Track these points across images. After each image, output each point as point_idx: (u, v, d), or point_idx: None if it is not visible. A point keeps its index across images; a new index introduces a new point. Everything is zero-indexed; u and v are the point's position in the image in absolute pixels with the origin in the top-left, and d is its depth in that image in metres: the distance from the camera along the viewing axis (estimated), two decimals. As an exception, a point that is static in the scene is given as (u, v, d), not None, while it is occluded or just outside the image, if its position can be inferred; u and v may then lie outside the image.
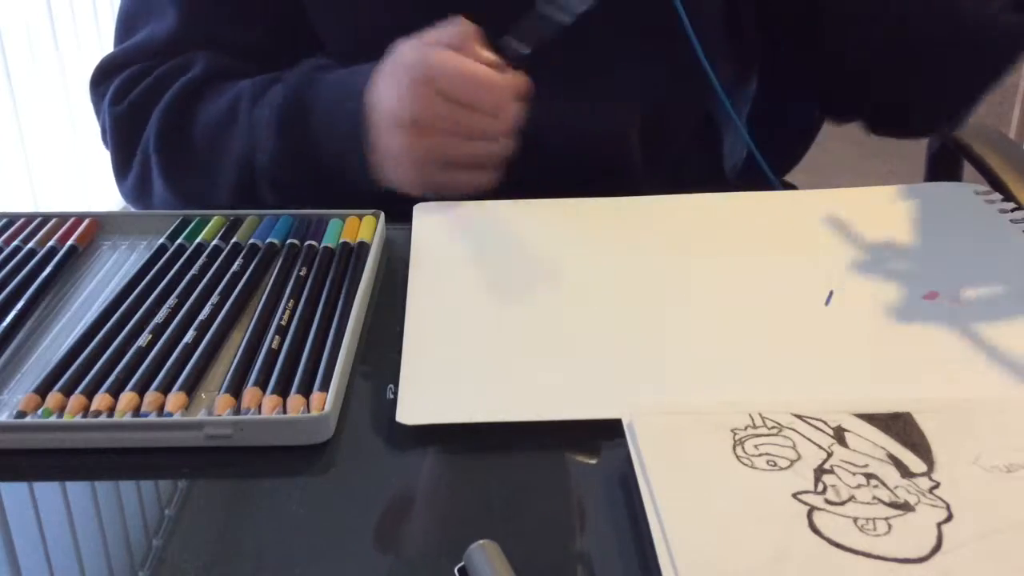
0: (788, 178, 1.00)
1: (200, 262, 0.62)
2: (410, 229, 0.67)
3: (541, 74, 0.69)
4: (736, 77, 0.89)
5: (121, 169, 0.84)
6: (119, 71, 0.84)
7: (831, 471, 0.43)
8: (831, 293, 0.58)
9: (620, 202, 0.71)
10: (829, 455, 0.44)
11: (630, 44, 0.79)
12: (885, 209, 0.69)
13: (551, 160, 0.73)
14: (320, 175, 0.74)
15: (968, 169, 0.93)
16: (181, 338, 0.54)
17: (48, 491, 0.47)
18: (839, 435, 0.45)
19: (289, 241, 0.65)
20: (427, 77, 0.66)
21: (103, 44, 2.10)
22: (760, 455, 0.44)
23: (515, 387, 0.51)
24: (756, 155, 0.84)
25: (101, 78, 0.86)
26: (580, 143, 0.77)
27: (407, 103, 0.67)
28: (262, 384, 0.51)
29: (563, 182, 0.71)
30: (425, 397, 0.50)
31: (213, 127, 0.78)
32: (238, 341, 0.55)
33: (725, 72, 0.83)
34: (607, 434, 0.46)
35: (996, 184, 0.86)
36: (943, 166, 0.97)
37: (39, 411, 0.49)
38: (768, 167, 0.84)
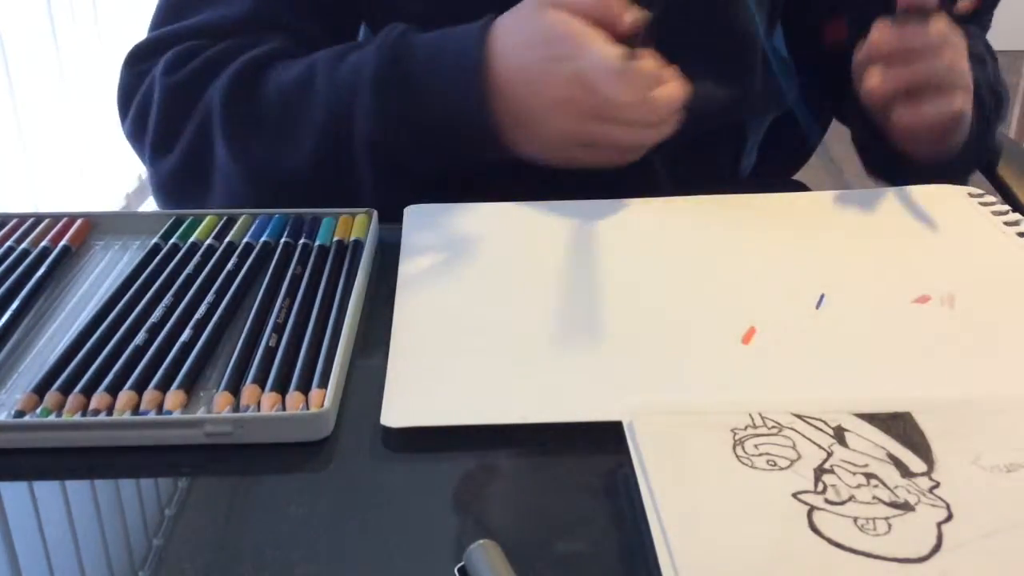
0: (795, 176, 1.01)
1: (195, 261, 0.62)
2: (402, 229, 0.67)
3: None
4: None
5: (165, 143, 0.77)
6: (168, 49, 0.77)
7: (831, 471, 0.43)
8: (822, 296, 0.58)
9: (615, 204, 0.71)
10: (829, 455, 0.44)
11: (697, 58, 0.74)
12: (879, 211, 0.69)
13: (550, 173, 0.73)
14: (426, 131, 0.70)
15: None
16: (178, 336, 0.54)
17: (47, 490, 0.47)
18: (839, 435, 0.45)
19: (283, 240, 0.65)
20: (564, 55, 0.65)
21: (103, 44, 2.10)
22: (760, 455, 0.44)
23: (509, 389, 0.51)
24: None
25: (145, 56, 0.79)
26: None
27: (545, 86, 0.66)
28: (260, 382, 0.51)
29: (580, 182, 0.71)
30: (412, 399, 0.50)
31: (286, 94, 0.73)
32: (235, 339, 0.55)
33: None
34: (607, 434, 0.46)
35: (997, 184, 0.86)
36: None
37: (37, 410, 0.49)
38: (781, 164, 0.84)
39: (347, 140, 0.71)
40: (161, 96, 0.76)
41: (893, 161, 0.78)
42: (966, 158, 0.77)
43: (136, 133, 0.79)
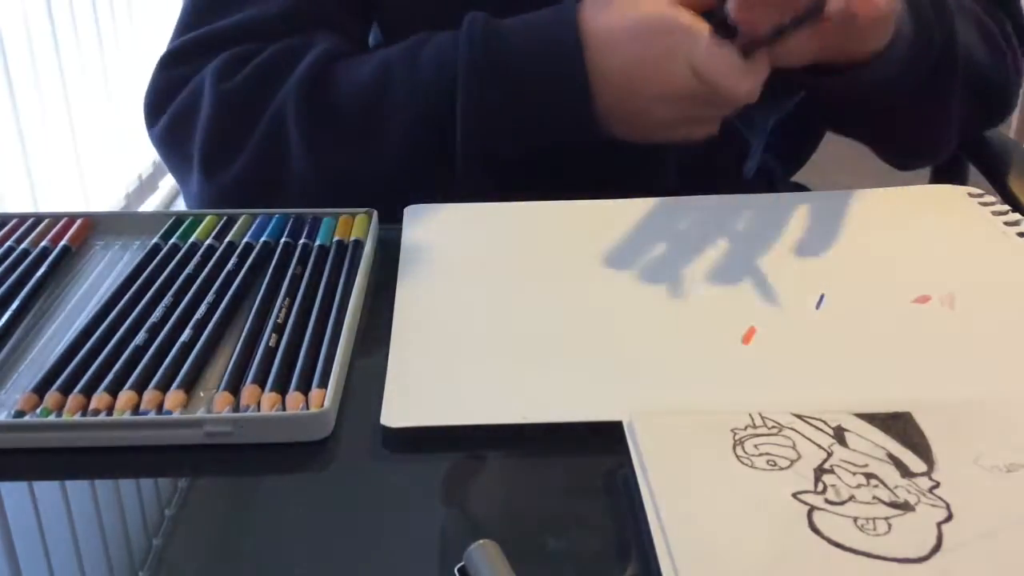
0: (794, 177, 1.01)
1: (194, 261, 0.62)
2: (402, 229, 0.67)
3: None
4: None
5: (224, 153, 0.73)
6: (211, 51, 0.74)
7: (831, 471, 0.43)
8: (822, 296, 0.58)
9: (615, 204, 0.71)
10: (829, 455, 0.44)
11: None
12: (878, 212, 0.69)
13: (584, 160, 0.73)
14: (526, 120, 0.70)
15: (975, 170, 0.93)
16: (178, 336, 0.54)
17: (47, 490, 0.47)
18: (839, 435, 0.45)
19: (283, 240, 0.65)
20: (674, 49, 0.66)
21: (103, 44, 2.11)
22: (760, 455, 0.44)
23: (509, 389, 0.51)
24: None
25: (183, 59, 0.76)
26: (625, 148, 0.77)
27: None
28: (260, 382, 0.51)
29: (587, 180, 0.70)
30: (412, 399, 0.50)
31: (364, 97, 0.71)
32: (235, 339, 0.55)
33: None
34: (607, 434, 0.46)
35: (999, 184, 0.86)
36: (947, 165, 0.97)
37: (37, 410, 0.49)
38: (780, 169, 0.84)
39: (442, 136, 0.70)
40: (216, 104, 0.73)
41: (861, 92, 0.75)
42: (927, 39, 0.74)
43: (173, 140, 0.76)
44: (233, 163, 0.73)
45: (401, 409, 0.49)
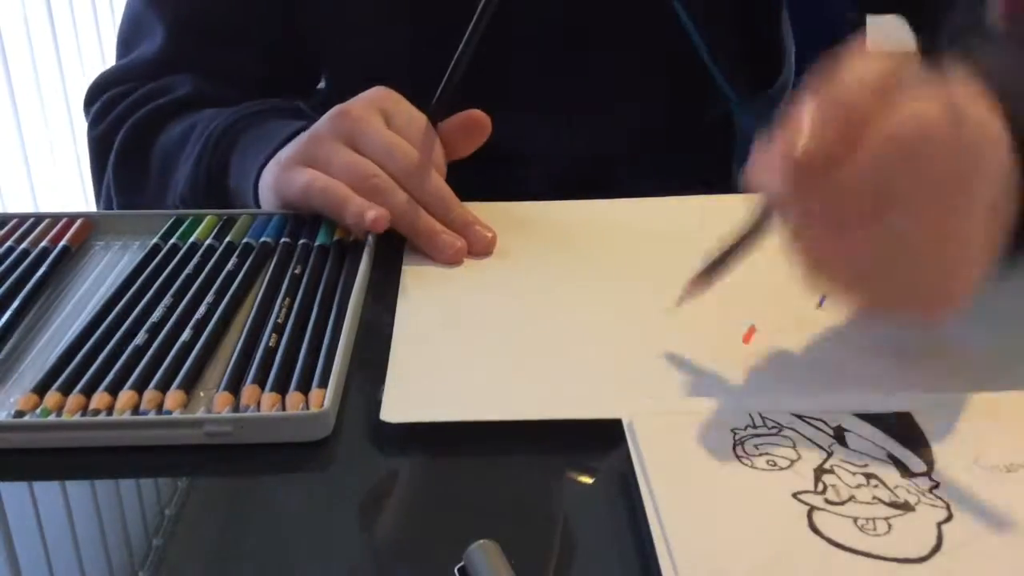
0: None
1: (194, 261, 0.62)
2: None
3: (539, 92, 0.67)
4: (756, 78, 0.88)
5: (96, 188, 0.84)
6: (104, 93, 0.83)
7: (831, 471, 0.43)
8: (823, 296, 0.58)
9: (614, 203, 0.71)
10: (829, 455, 0.44)
11: (630, 56, 0.78)
12: None
13: (540, 175, 0.73)
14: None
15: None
16: (178, 336, 0.54)
17: (47, 490, 0.47)
18: (839, 435, 0.45)
19: (283, 240, 0.65)
20: (339, 127, 0.65)
21: (103, 45, 2.11)
22: (760, 455, 0.44)
23: (509, 387, 0.51)
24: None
25: (89, 100, 0.86)
26: (570, 161, 0.76)
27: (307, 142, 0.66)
28: (260, 382, 0.51)
29: (581, 183, 0.70)
30: (412, 395, 0.50)
31: (166, 151, 0.78)
32: (235, 339, 0.55)
33: (740, 74, 0.82)
34: (607, 434, 0.46)
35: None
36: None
37: (37, 410, 0.49)
38: None
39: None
40: (89, 149, 0.84)
41: None
42: None
43: None
44: (99, 197, 0.84)
45: (401, 405, 0.49)
